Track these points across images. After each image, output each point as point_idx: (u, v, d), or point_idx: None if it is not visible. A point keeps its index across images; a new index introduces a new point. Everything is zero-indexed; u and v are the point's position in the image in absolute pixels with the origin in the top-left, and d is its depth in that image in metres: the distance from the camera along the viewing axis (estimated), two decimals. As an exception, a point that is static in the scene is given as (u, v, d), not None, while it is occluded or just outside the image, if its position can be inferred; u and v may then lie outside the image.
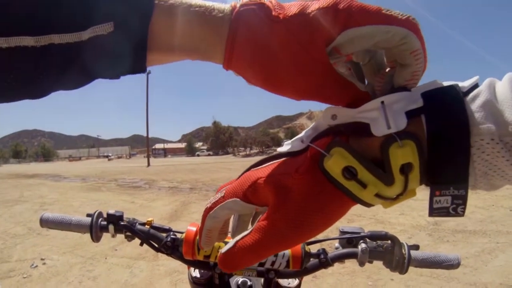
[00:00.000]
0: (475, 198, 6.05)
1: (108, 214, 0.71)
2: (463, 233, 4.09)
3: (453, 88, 0.25)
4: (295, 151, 0.30)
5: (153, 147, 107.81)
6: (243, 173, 0.33)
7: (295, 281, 0.71)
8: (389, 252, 0.62)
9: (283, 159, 0.31)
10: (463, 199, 0.25)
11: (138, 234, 0.69)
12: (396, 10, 0.27)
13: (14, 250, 3.97)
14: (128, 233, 0.70)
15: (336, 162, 0.25)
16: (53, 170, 24.81)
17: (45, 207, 6.80)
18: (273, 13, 0.28)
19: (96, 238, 0.71)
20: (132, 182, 13.34)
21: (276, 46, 0.29)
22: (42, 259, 3.63)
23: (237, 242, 0.30)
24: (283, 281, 0.70)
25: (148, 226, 0.71)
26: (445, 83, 0.26)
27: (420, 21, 0.28)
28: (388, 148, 0.24)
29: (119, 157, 77.14)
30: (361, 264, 0.63)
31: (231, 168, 20.10)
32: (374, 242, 0.64)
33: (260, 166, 0.32)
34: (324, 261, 0.63)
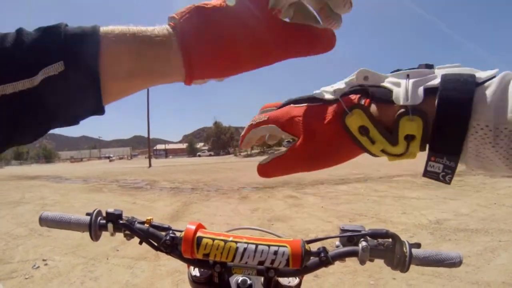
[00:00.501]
0: (477, 197, 6.04)
1: (107, 213, 0.71)
2: (465, 232, 4.08)
3: (469, 76, 0.29)
4: (327, 99, 0.37)
5: (154, 148, 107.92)
6: (283, 105, 0.41)
7: (295, 280, 0.71)
8: (390, 250, 0.62)
9: (317, 104, 0.37)
10: (452, 170, 0.31)
11: (137, 232, 0.68)
12: None
13: (16, 251, 3.98)
14: (127, 232, 0.70)
15: (354, 121, 0.33)
16: (54, 171, 24.86)
17: (47, 208, 6.80)
18: (210, 5, 0.33)
19: (95, 236, 0.71)
20: (134, 183, 13.36)
21: (228, 29, 0.33)
22: (44, 260, 3.64)
23: (274, 157, 0.41)
24: (283, 280, 0.70)
25: (148, 225, 0.70)
26: (466, 70, 0.31)
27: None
28: (399, 119, 0.30)
29: (120, 158, 77.30)
30: (362, 262, 0.62)
31: (233, 168, 20.10)
32: (375, 240, 0.64)
33: (298, 105, 0.39)
34: (325, 259, 0.62)
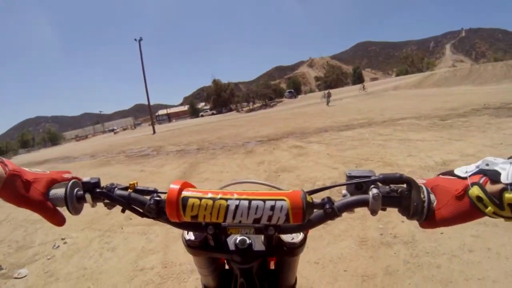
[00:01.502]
0: (483, 137, 5.95)
1: (83, 183, 0.65)
2: None
3: None
4: (460, 176, 0.51)
5: (157, 113, 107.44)
6: (439, 175, 0.57)
7: (299, 236, 0.64)
8: (405, 197, 0.55)
9: (453, 178, 0.53)
10: None
11: (118, 200, 0.63)
12: None
13: (36, 235, 4.13)
14: (106, 201, 0.64)
15: (474, 192, 0.47)
16: (62, 152, 25.19)
17: (59, 189, 6.96)
18: (24, 177, 0.63)
19: (73, 210, 0.64)
20: (140, 151, 13.52)
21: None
22: (62, 239, 3.77)
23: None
24: (286, 237, 0.63)
25: (131, 190, 0.64)
26: None
27: None
28: (503, 192, 0.43)
29: (124, 129, 77.47)
30: (373, 212, 0.55)
31: (236, 125, 20.11)
32: (387, 187, 0.56)
33: (443, 176, 0.55)
34: (330, 211, 0.55)
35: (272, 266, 0.77)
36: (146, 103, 41.33)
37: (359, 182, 0.58)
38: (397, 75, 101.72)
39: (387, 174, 0.56)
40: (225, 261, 0.74)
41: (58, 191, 0.64)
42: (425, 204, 0.53)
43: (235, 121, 25.76)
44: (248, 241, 0.63)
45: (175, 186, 0.55)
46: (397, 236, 2.79)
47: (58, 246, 3.59)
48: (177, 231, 3.43)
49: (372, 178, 0.57)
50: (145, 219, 0.62)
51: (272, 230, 0.56)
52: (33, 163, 17.29)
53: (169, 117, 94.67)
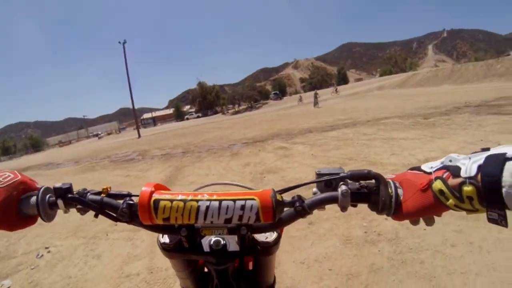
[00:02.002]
0: (464, 134, 6.12)
1: (54, 188, 0.64)
2: None
3: (501, 154, 0.43)
4: (426, 171, 0.53)
5: (142, 117, 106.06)
6: (408, 170, 0.58)
7: (273, 234, 0.64)
8: (374, 192, 0.55)
9: (421, 173, 0.54)
10: (503, 216, 0.43)
11: (90, 205, 0.62)
12: None
13: (19, 244, 4.05)
14: (79, 206, 0.63)
15: (436, 186, 0.49)
16: (45, 159, 24.61)
17: (42, 197, 6.83)
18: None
19: (46, 217, 0.63)
20: (125, 156, 13.36)
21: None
22: (46, 248, 3.72)
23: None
24: (260, 236, 0.63)
25: (104, 195, 0.64)
26: (502, 149, 0.44)
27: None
28: (461, 185, 0.45)
29: (109, 134, 76.21)
30: (343, 209, 0.55)
31: (221, 127, 20.06)
32: (357, 183, 0.57)
33: (411, 171, 0.56)
34: (300, 209, 0.56)
35: (250, 266, 0.75)
36: (131, 106, 40.82)
37: (329, 179, 0.59)
38: (381, 75, 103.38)
39: (355, 170, 0.57)
40: (203, 262, 0.74)
41: (29, 200, 0.63)
42: (393, 199, 0.54)
43: (221, 123, 25.69)
44: (222, 242, 0.63)
45: (147, 189, 0.55)
46: (381, 233, 2.86)
47: (42, 255, 3.54)
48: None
49: (341, 175, 0.58)
50: (132, 225, 0.61)
51: (245, 230, 0.57)
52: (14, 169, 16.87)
53: (155, 121, 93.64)
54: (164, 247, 0.64)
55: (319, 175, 0.62)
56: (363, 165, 5.05)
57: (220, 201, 0.53)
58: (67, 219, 4.73)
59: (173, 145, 13.72)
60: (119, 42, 36.34)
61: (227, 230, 0.58)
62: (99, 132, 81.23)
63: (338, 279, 2.34)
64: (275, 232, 0.64)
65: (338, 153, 6.26)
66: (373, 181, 0.56)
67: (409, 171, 0.57)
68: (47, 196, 0.64)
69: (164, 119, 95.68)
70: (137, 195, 0.58)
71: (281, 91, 76.84)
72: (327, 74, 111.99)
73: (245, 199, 0.53)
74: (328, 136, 8.55)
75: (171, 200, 0.53)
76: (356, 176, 0.57)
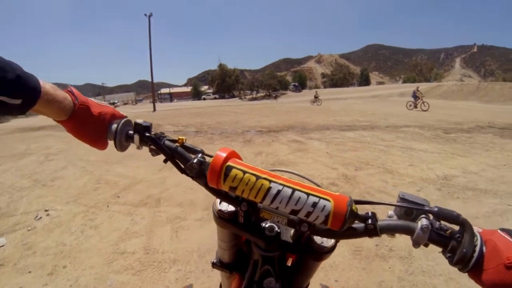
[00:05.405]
0: (486, 156, 5.81)
1: (135, 123, 0.67)
2: (474, 191, 3.92)
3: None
4: None
5: (159, 92, 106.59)
6: (499, 229, 0.47)
7: (330, 241, 0.60)
8: (455, 239, 0.47)
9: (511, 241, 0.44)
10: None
11: (163, 149, 0.63)
12: None
13: (20, 203, 4.00)
14: (152, 147, 0.65)
15: None
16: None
17: (51, 157, 6.82)
18: (92, 110, 0.65)
19: (120, 147, 0.67)
20: (138, 128, 13.34)
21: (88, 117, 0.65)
22: (46, 210, 3.65)
23: None
24: (316, 238, 0.59)
25: (178, 144, 0.64)
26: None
27: None
28: None
29: (125, 104, 76.79)
30: (416, 244, 0.49)
31: (237, 112, 19.94)
32: (438, 222, 0.50)
33: (502, 233, 0.45)
34: (372, 228, 0.50)
35: (289, 263, 0.72)
36: (150, 79, 40.91)
37: (411, 207, 0.52)
38: (404, 81, 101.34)
39: (443, 208, 0.50)
40: (245, 241, 0.73)
41: (112, 126, 0.68)
42: (474, 256, 0.45)
43: (237, 108, 25.55)
44: (276, 229, 0.60)
45: (222, 153, 0.54)
46: (393, 249, 2.68)
47: (41, 218, 3.47)
48: (165, 216, 3.32)
49: (426, 208, 0.51)
50: (195, 181, 0.60)
51: (306, 227, 0.53)
52: (27, 129, 17.06)
53: (171, 97, 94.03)
54: (219, 215, 0.63)
55: (402, 199, 0.54)
56: (380, 172, 4.84)
57: (294, 190, 0.50)
58: (71, 184, 4.68)
59: (187, 123, 13.64)
60: (145, 15, 36.16)
61: (287, 220, 0.55)
62: (116, 101, 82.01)
63: (344, 292, 2.18)
64: (333, 240, 0.60)
65: (355, 155, 6.04)
66: (458, 227, 0.49)
67: (499, 231, 0.46)
68: (126, 128, 0.68)
69: (181, 96, 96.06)
70: (209, 155, 0.59)
71: (301, 84, 75.95)
72: (349, 73, 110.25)
73: (320, 197, 0.49)
74: (345, 136, 8.31)
75: (244, 172, 0.51)
76: (442, 215, 0.49)
